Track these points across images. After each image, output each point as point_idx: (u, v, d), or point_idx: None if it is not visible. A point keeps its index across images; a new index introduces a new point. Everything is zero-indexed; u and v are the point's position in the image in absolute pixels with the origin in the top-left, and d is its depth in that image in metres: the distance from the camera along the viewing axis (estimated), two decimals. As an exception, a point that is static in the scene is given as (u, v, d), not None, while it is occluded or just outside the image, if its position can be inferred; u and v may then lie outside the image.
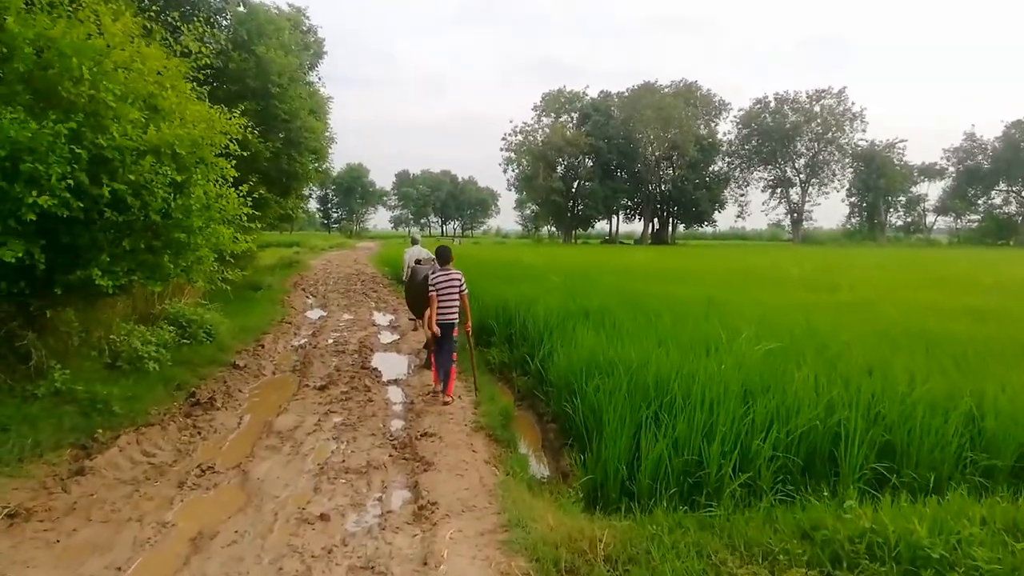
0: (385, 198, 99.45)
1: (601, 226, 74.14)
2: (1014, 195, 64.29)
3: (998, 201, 65.55)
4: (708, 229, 74.50)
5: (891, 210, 70.17)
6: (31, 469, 4.23)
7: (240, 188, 6.93)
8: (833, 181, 67.83)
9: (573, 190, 63.76)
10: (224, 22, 13.36)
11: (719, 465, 3.96)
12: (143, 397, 5.84)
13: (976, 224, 66.52)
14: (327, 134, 17.93)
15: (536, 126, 64.12)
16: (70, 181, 4.63)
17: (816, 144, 66.45)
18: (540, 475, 4.99)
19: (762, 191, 70.28)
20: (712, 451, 4.00)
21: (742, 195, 70.16)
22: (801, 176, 67.93)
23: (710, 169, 66.77)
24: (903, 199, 69.70)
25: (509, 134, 64.53)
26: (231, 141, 6.50)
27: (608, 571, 3.09)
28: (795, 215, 68.50)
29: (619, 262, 21.79)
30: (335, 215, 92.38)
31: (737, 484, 3.84)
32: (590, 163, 62.81)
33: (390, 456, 4.92)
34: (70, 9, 5.08)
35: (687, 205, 65.72)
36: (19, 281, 4.92)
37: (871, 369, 5.29)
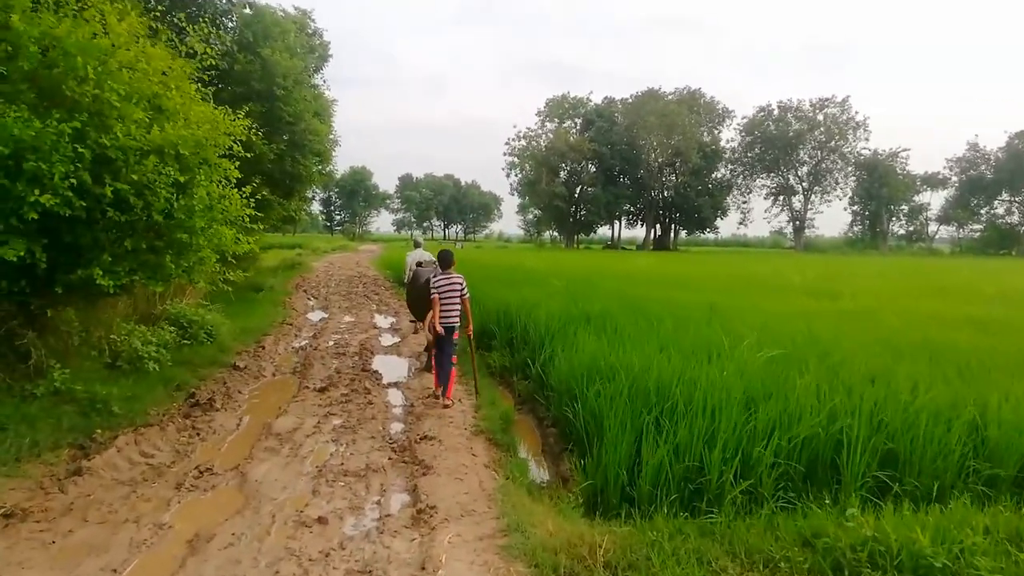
0: (388, 201, 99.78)
1: (603, 231, 74.37)
2: (1017, 205, 64.21)
3: (1000, 211, 65.52)
4: (710, 236, 74.40)
5: (893, 219, 70.06)
6: (28, 469, 4.21)
7: (243, 189, 6.94)
8: (836, 189, 67.99)
9: (576, 195, 63.89)
10: (230, 24, 13.42)
11: (720, 471, 3.94)
12: (142, 397, 5.82)
13: (978, 234, 66.46)
14: (331, 137, 17.98)
15: (540, 131, 64.47)
16: (73, 180, 4.63)
17: (819, 152, 66.53)
18: (540, 480, 4.96)
19: (764, 198, 70.42)
20: (713, 457, 3.97)
21: (744, 202, 70.32)
22: (804, 184, 67.98)
23: (713, 176, 66.84)
24: (905, 208, 69.59)
25: (512, 139, 65.02)
26: (235, 142, 6.51)
27: (607, 578, 3.06)
28: (797, 223, 68.49)
29: (621, 267, 21.78)
30: (338, 217, 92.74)
31: (738, 491, 3.82)
32: (593, 169, 63.03)
33: (389, 459, 4.89)
34: (76, 8, 5.10)
35: (689, 211, 65.76)
36: (20, 280, 4.91)
37: (874, 377, 5.26)
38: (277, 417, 5.86)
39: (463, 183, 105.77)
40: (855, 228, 71.60)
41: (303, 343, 9.64)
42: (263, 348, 8.92)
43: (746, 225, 72.09)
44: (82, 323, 6.24)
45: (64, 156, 4.55)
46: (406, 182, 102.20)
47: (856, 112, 64.96)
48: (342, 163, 77.30)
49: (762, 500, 3.82)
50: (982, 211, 66.16)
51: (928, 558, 2.94)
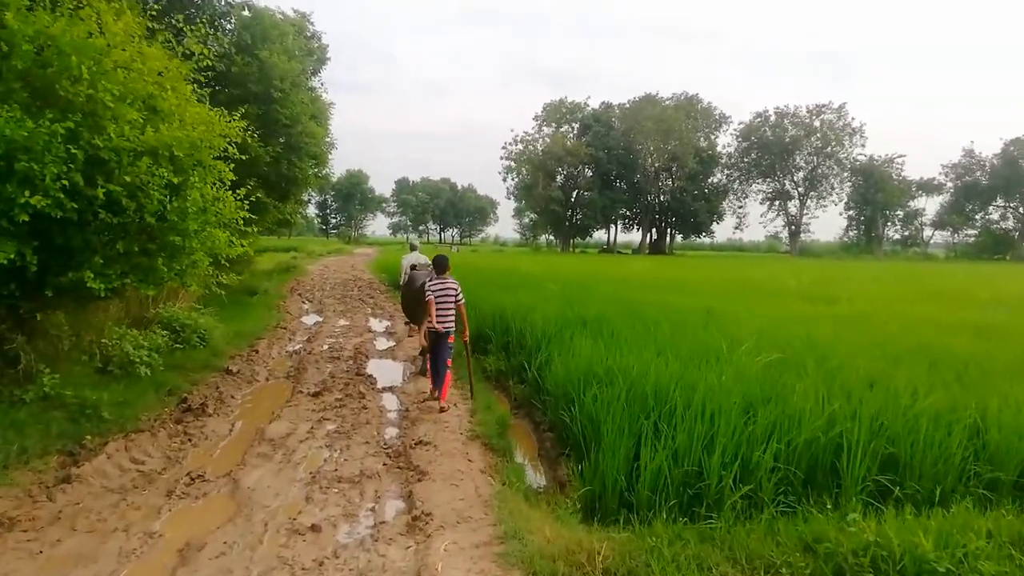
0: (384, 205, 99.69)
1: (599, 235, 74.41)
2: (1011, 211, 64.63)
3: (995, 216, 65.90)
4: (706, 240, 74.69)
5: (889, 224, 70.43)
6: (16, 476, 4.13)
7: (238, 192, 6.88)
8: (831, 195, 68.17)
9: (572, 199, 63.95)
10: (228, 26, 13.40)
11: (720, 476, 3.90)
12: (133, 403, 5.74)
13: (973, 239, 66.84)
14: (327, 140, 17.95)
15: (536, 136, 64.56)
16: (65, 182, 4.56)
17: (815, 158, 66.79)
18: (537, 485, 4.90)
19: (760, 203, 70.54)
20: (712, 462, 3.94)
21: (740, 207, 70.43)
22: (800, 189, 68.21)
23: (709, 181, 67.10)
24: (901, 213, 69.95)
25: (509, 143, 65.02)
26: (230, 144, 6.46)
27: (606, 585, 3.01)
28: (793, 227, 68.73)
29: (617, 271, 21.79)
30: (334, 221, 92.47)
31: (738, 496, 3.78)
32: (590, 173, 63.10)
33: (384, 465, 4.83)
34: (72, 7, 5.05)
35: (685, 216, 65.98)
36: (10, 283, 4.83)
37: (872, 382, 5.26)
38: (270, 422, 5.79)
39: (459, 187, 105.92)
40: (850, 233, 71.91)
41: (297, 347, 9.56)
42: (256, 352, 8.84)
43: (742, 230, 72.26)
44: (72, 327, 6.15)
45: (56, 157, 4.48)
46: (402, 185, 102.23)
47: (852, 118, 65.38)
48: (339, 167, 77.68)
49: (762, 505, 3.79)
50: (977, 216, 66.55)
51: (931, 563, 2.91)
